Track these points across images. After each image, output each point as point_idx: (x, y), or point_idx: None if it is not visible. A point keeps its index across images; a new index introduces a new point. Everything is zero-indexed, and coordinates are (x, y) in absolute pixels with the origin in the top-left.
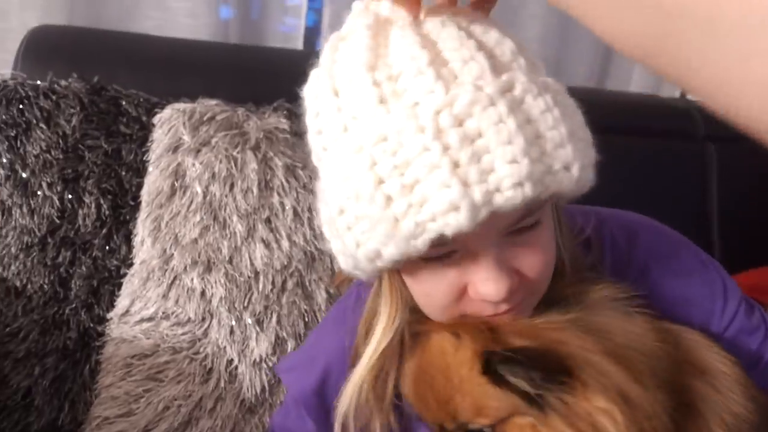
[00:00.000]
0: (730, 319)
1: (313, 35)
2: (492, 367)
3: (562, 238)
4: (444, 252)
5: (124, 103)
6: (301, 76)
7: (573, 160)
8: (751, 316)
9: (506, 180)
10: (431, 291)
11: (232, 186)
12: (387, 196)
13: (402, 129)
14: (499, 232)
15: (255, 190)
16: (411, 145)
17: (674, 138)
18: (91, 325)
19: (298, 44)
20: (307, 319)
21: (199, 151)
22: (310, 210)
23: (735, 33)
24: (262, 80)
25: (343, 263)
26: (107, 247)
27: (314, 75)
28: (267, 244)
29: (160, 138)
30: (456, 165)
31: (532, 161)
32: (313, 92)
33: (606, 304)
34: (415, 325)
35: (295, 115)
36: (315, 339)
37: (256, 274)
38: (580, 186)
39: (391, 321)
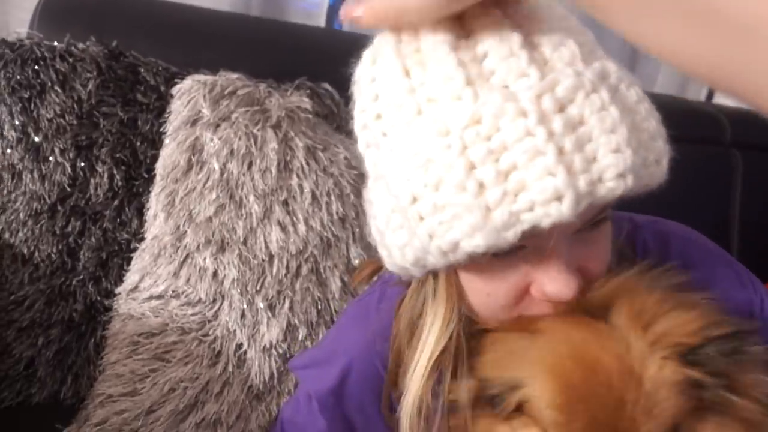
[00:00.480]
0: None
1: (334, 14)
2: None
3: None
4: (514, 247)
5: (142, 70)
6: (323, 55)
7: (663, 153)
8: None
9: (610, 170)
10: (494, 290)
11: (250, 164)
12: (480, 182)
13: (499, 112)
14: (575, 228)
15: (273, 170)
16: (511, 130)
17: (699, 142)
18: (98, 298)
19: (320, 22)
20: (320, 307)
21: (218, 126)
22: (328, 194)
23: None
24: (283, 56)
25: (400, 257)
26: (118, 220)
27: (370, 57)
28: (283, 227)
29: (178, 109)
30: (561, 152)
31: (634, 152)
32: (370, 74)
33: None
34: (471, 325)
35: (317, 95)
36: (334, 337)
37: (271, 257)
38: (661, 175)
39: (446, 324)
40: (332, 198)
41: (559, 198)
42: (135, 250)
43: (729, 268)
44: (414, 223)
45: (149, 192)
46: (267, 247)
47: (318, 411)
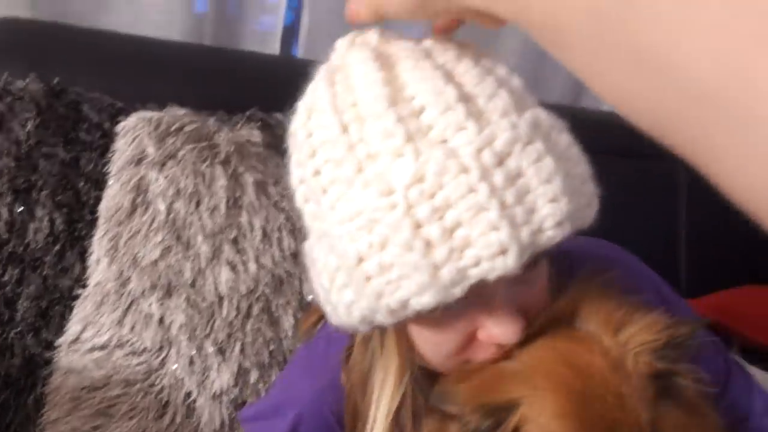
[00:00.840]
0: None
1: (290, 35)
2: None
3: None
4: (462, 301)
5: (85, 107)
6: (276, 83)
7: (593, 195)
8: (716, 357)
9: (549, 219)
10: (443, 339)
11: (198, 203)
12: (426, 241)
13: (442, 170)
14: (514, 276)
15: (222, 208)
16: (454, 187)
17: (645, 158)
18: (38, 351)
19: (275, 44)
20: (272, 348)
21: (164, 164)
22: (280, 229)
23: None
24: (235, 85)
25: (346, 316)
26: (59, 266)
27: (305, 110)
28: (233, 267)
29: (122, 148)
30: (503, 206)
31: (569, 199)
32: (307, 129)
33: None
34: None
35: (268, 125)
36: (282, 386)
37: (220, 298)
38: (591, 217)
39: (399, 378)
40: (284, 233)
41: (504, 252)
42: (77, 297)
43: (656, 294)
44: (361, 283)
45: (92, 235)
46: (216, 288)
47: None
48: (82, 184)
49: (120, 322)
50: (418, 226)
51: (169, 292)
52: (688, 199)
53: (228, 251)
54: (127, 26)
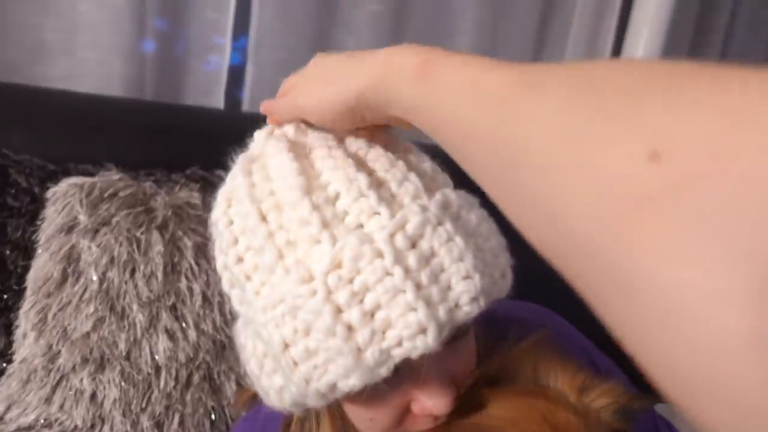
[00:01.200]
0: None
1: (235, 78)
2: None
3: None
4: (391, 377)
5: (13, 171)
6: (219, 138)
7: (507, 266)
8: (647, 419)
9: (464, 296)
10: (376, 414)
11: (133, 271)
12: (348, 325)
13: (357, 255)
14: (442, 345)
15: (160, 274)
16: (370, 271)
17: None
18: None
19: (220, 89)
20: (213, 417)
21: (96, 231)
22: (221, 294)
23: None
24: (176, 141)
25: (278, 400)
26: None
27: (225, 199)
28: (171, 335)
29: (52, 217)
30: (419, 287)
31: (481, 275)
32: (227, 217)
33: None
34: None
35: (209, 183)
36: None
37: (158, 369)
38: (507, 288)
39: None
40: (225, 297)
41: (423, 331)
42: (2, 373)
43: (587, 359)
44: (288, 369)
45: (19, 307)
46: (153, 358)
47: None
48: (8, 252)
49: (48, 400)
50: (338, 311)
51: (102, 366)
52: None
53: (166, 319)
54: (62, 77)
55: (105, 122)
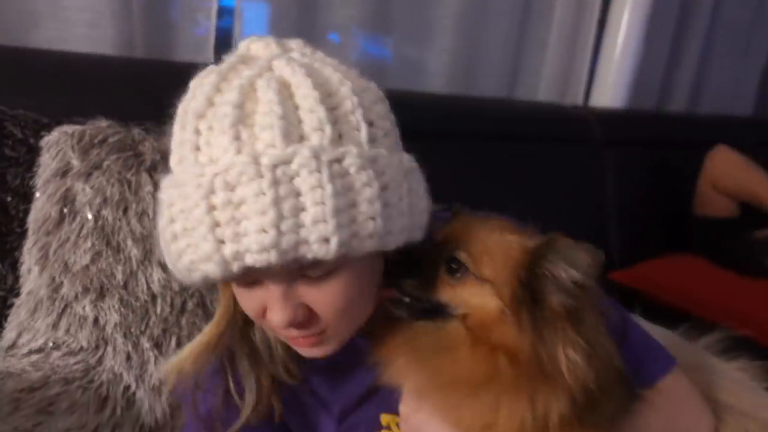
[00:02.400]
0: None
1: (223, 40)
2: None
3: None
4: (251, 281)
5: (8, 125)
6: None
7: (333, 234)
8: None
9: (254, 245)
10: (245, 307)
11: (126, 210)
12: (174, 234)
13: (187, 182)
14: (285, 276)
15: (151, 212)
16: (189, 199)
17: (574, 143)
18: None
19: (209, 51)
20: None
21: (89, 174)
22: None
23: None
24: (166, 96)
25: (171, 266)
26: None
27: (184, 98)
28: (165, 267)
29: (47, 162)
30: (216, 224)
31: (281, 233)
32: (177, 114)
33: None
34: None
35: None
36: None
37: (153, 297)
38: (370, 247)
39: (222, 316)
40: None
41: (209, 259)
42: (12, 306)
43: None
44: (169, 242)
45: (22, 247)
46: (149, 288)
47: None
48: (9, 198)
49: (55, 326)
50: (213, 207)
51: (102, 294)
52: (615, 178)
53: (159, 252)
54: (54, 41)
55: (95, 79)
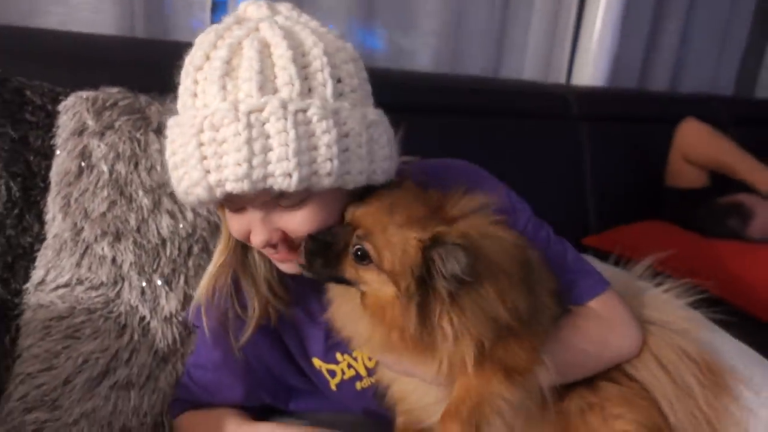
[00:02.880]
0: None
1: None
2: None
3: None
4: (238, 207)
5: (28, 92)
6: None
7: (294, 170)
8: (539, 230)
9: (231, 175)
10: (233, 228)
11: (136, 164)
12: (174, 164)
13: (185, 123)
14: (262, 203)
15: (158, 167)
16: (184, 137)
17: (553, 118)
18: (8, 297)
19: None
20: None
21: (103, 134)
22: None
23: None
24: (167, 73)
25: (175, 188)
26: (20, 226)
27: (187, 55)
28: (172, 215)
29: (65, 123)
30: (204, 157)
31: (252, 167)
32: (184, 64)
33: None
34: None
35: None
36: None
37: (163, 241)
38: (328, 184)
39: (224, 243)
40: None
41: (198, 185)
42: (39, 250)
43: (506, 196)
44: (172, 171)
45: (47, 199)
46: (159, 233)
47: (212, 344)
48: (32, 157)
49: (78, 264)
50: (201, 144)
51: (118, 237)
52: (591, 152)
53: (167, 203)
54: (59, 25)
55: (100, 58)
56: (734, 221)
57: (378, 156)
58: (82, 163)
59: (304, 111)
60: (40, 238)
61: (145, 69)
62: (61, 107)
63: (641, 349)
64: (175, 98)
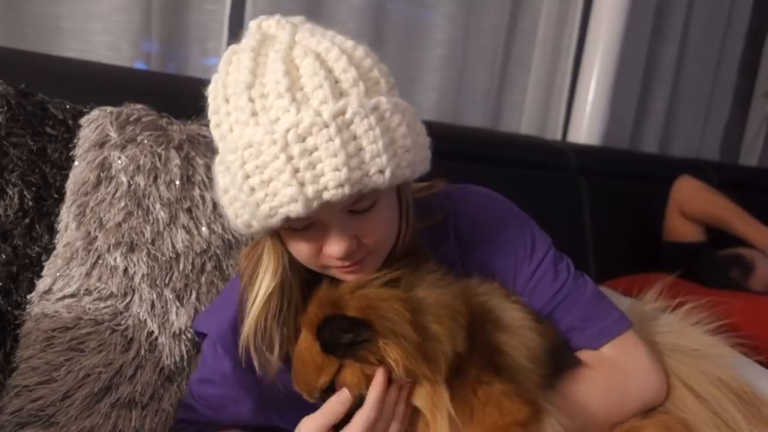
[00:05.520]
0: (537, 264)
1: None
2: (320, 334)
3: (407, 215)
4: (305, 224)
5: (50, 107)
6: None
7: (386, 166)
8: (557, 265)
9: (331, 182)
10: (299, 249)
11: (156, 178)
12: (251, 187)
13: (262, 140)
14: (340, 211)
15: (177, 182)
16: (267, 153)
17: (554, 171)
18: (8, 308)
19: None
20: None
21: (125, 147)
22: None
23: None
24: (181, 106)
25: (234, 220)
26: (29, 236)
27: (214, 80)
28: (188, 230)
29: (86, 135)
30: (296, 170)
31: (351, 169)
32: (213, 94)
33: (427, 277)
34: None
35: None
36: (227, 289)
37: (177, 255)
38: (407, 176)
39: (275, 268)
40: None
41: (295, 200)
42: (46, 261)
43: (511, 212)
44: (245, 195)
45: (59, 210)
46: (174, 246)
47: (222, 354)
48: (48, 168)
49: (88, 274)
50: (247, 176)
51: (132, 248)
52: (590, 204)
53: (183, 218)
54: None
55: (118, 89)
56: (736, 273)
57: (423, 145)
58: (101, 174)
59: (377, 108)
60: (49, 248)
61: (161, 102)
62: (83, 120)
63: (670, 383)
64: (197, 121)
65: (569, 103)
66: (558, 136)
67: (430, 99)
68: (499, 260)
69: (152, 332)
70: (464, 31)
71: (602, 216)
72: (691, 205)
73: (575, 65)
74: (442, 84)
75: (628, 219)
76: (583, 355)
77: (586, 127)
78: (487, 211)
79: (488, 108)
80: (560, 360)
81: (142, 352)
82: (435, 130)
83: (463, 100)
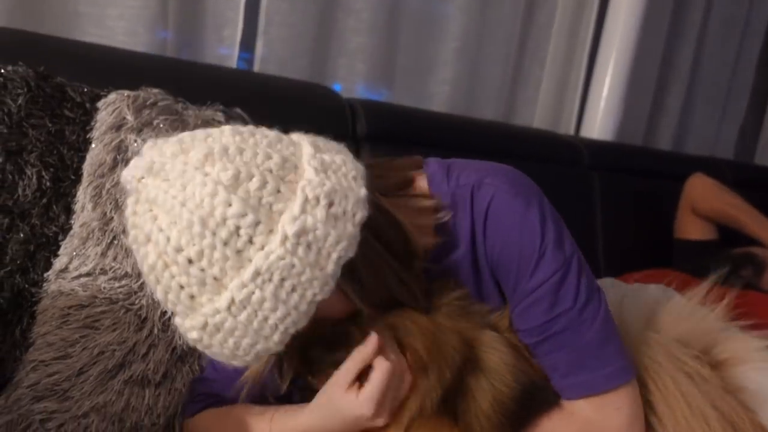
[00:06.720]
0: (538, 284)
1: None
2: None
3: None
4: None
5: (69, 90)
6: (236, 95)
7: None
8: (563, 290)
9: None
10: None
11: None
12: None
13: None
14: None
15: None
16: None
17: (566, 166)
18: (26, 286)
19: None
20: None
21: (141, 130)
22: None
23: None
24: (196, 93)
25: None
26: (46, 216)
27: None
28: None
29: (103, 118)
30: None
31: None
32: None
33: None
34: None
35: (230, 117)
36: None
37: None
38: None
39: None
40: None
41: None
42: (62, 241)
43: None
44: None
45: (76, 191)
46: None
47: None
48: (66, 150)
49: (104, 254)
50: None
51: None
52: (601, 198)
53: None
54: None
55: (134, 74)
56: (748, 271)
57: None
58: (118, 156)
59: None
60: (66, 228)
61: (176, 89)
62: (100, 103)
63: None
64: (212, 106)
65: (583, 98)
66: (571, 131)
67: (443, 91)
68: (502, 268)
69: (165, 312)
70: (479, 23)
71: (613, 212)
72: (703, 203)
73: (590, 60)
74: (455, 76)
75: (639, 215)
76: (561, 399)
77: (600, 122)
78: (509, 226)
79: (501, 101)
80: (533, 402)
81: (156, 331)
82: (447, 122)
83: (477, 92)
